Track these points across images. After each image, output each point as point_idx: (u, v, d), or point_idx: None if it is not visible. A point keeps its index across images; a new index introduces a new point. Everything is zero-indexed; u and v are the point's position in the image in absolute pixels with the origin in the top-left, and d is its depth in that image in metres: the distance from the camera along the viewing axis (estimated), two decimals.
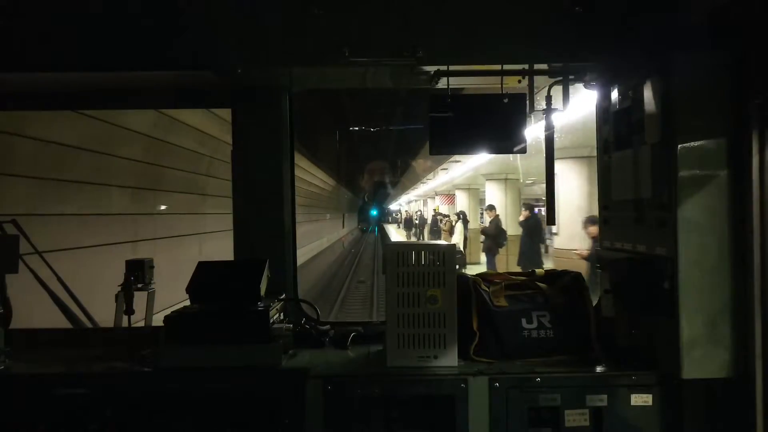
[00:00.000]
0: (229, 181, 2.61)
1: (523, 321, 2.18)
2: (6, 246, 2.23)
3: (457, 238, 17.87)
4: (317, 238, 24.34)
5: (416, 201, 50.68)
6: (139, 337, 2.27)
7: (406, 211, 52.89)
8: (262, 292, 2.19)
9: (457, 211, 22.44)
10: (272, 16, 2.13)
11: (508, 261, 15.19)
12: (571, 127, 8.31)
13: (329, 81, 2.56)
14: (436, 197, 32.54)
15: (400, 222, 58.73)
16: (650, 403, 1.98)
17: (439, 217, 25.14)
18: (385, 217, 71.24)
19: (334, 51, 2.09)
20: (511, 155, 2.62)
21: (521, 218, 13.38)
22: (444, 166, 19.35)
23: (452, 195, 27.80)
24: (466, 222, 19.37)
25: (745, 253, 1.89)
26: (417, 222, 37.80)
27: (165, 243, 6.83)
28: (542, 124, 2.38)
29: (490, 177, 19.18)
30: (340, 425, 1.99)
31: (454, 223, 19.62)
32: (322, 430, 1.98)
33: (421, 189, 34.92)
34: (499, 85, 2.32)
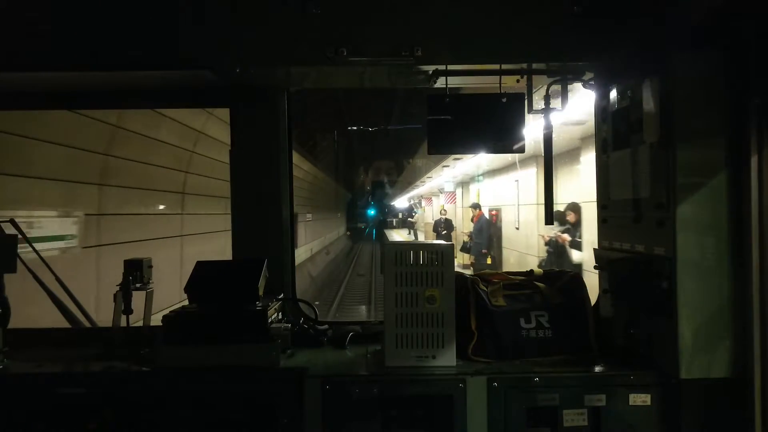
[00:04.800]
0: None
1: (522, 321, 2.18)
2: (4, 245, 2.23)
3: None
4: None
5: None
6: (137, 336, 2.27)
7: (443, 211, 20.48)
8: (261, 291, 2.19)
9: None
10: (270, 15, 2.13)
11: None
12: None
13: (327, 80, 2.55)
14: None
15: (414, 226, 39.78)
16: (649, 402, 1.97)
17: None
18: (388, 217, 56.39)
19: (333, 50, 2.09)
20: None
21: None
22: None
23: None
24: None
25: (743, 253, 1.89)
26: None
27: None
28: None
29: None
30: (339, 425, 1.99)
31: None
32: (320, 430, 1.98)
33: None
34: (498, 85, 2.32)
